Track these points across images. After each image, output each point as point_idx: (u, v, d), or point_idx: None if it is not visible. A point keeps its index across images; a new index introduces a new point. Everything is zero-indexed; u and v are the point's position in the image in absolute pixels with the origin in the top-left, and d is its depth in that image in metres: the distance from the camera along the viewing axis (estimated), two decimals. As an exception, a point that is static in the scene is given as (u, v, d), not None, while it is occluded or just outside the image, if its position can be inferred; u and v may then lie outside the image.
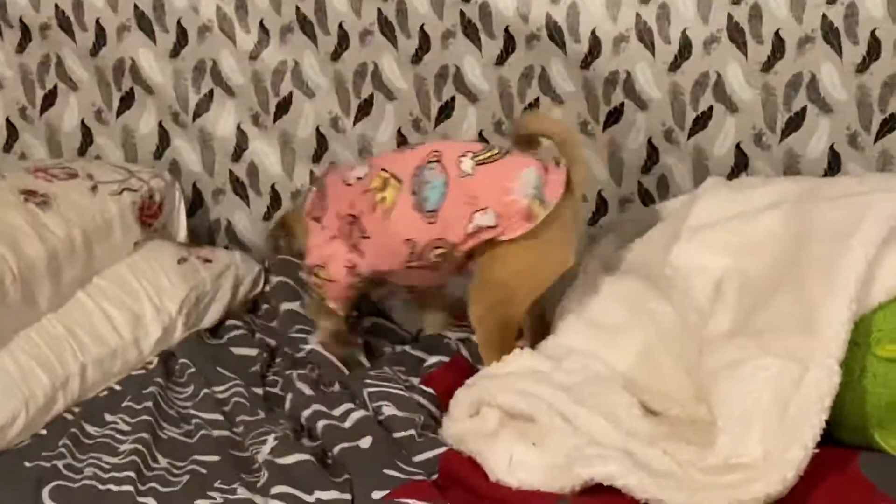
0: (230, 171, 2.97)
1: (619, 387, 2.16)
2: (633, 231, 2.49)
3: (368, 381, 2.35)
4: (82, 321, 2.45)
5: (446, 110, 2.83)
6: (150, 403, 2.35)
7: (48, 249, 2.42)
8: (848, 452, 2.02)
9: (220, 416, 2.32)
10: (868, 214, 2.05)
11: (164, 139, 2.97)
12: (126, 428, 2.27)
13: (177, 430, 2.29)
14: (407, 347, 2.60)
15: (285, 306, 2.67)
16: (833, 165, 2.70)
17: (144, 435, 2.22)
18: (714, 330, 2.16)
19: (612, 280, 2.37)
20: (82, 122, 2.99)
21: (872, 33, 2.60)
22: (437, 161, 2.28)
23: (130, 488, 2.05)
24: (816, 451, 1.91)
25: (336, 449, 2.13)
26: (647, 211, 2.59)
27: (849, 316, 1.97)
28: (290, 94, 2.88)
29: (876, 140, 2.67)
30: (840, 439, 2.03)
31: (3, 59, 2.96)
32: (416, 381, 2.41)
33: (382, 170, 2.35)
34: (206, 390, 2.42)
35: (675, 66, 2.70)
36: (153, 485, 2.08)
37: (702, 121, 2.73)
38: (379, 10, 2.76)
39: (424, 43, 2.78)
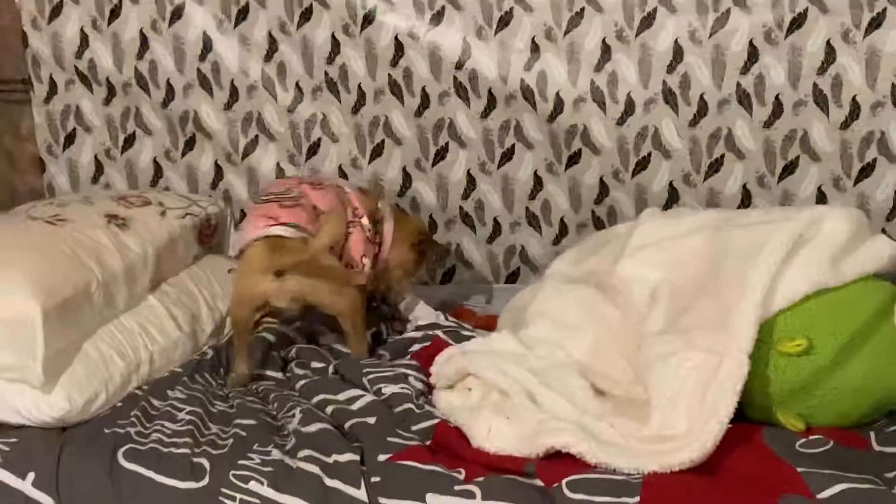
0: (272, 200, 2.90)
1: (576, 371, 2.11)
2: (588, 249, 2.46)
3: (366, 369, 2.26)
4: (152, 319, 2.39)
5: (441, 153, 2.79)
6: (202, 384, 2.29)
7: (126, 263, 2.37)
8: (754, 427, 1.97)
9: (257, 396, 2.25)
10: (771, 239, 2.01)
11: (218, 174, 2.93)
12: (183, 399, 2.20)
13: (224, 405, 2.22)
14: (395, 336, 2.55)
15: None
16: (745, 201, 2.66)
17: (198, 408, 2.16)
18: (649, 328, 2.13)
19: (571, 287, 2.33)
20: (154, 160, 2.95)
21: (776, 97, 2.57)
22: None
23: (187, 451, 1.99)
24: (730, 425, 1.86)
25: (347, 424, 2.05)
26: (598, 234, 2.55)
27: (756, 319, 1.94)
28: (319, 139, 2.85)
29: (779, 181, 2.64)
30: (748, 416, 1.98)
31: (93, 110, 2.92)
32: (402, 362, 2.32)
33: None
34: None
35: (621, 121, 2.66)
36: (205, 447, 2.01)
37: (642, 164, 2.69)
38: (389, 74, 2.73)
39: (425, 100, 2.74)
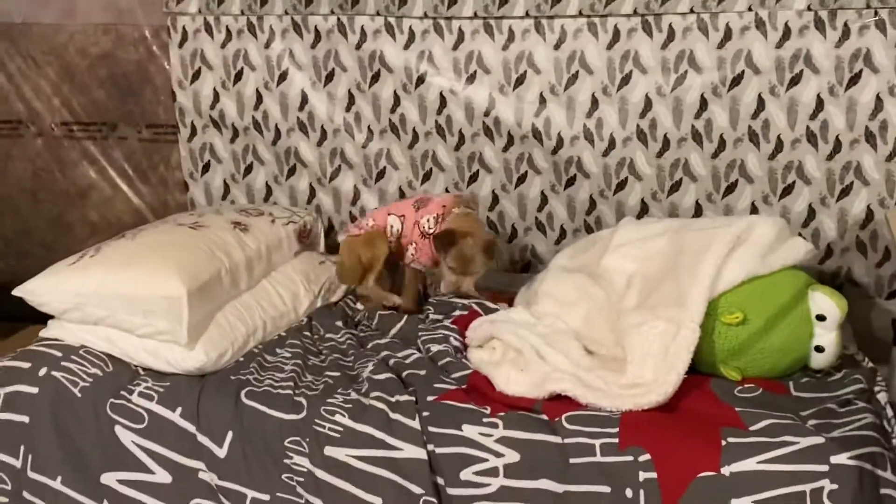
0: (349, 212, 2.93)
1: (572, 336, 2.12)
2: (580, 248, 2.45)
3: (419, 332, 2.27)
4: (265, 297, 2.41)
5: (474, 177, 2.78)
6: (301, 344, 2.31)
7: (246, 256, 2.40)
8: (703, 378, 1.98)
9: (340, 354, 2.26)
10: (717, 239, 2.02)
11: (312, 193, 2.94)
12: (288, 356, 2.23)
13: (316, 360, 2.25)
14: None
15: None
16: (698, 212, 2.63)
17: (298, 361, 2.19)
18: (626, 305, 2.13)
19: (567, 275, 2.32)
20: (266, 183, 2.96)
21: (721, 136, 2.54)
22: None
23: (290, 392, 2.02)
24: (685, 376, 1.87)
25: (404, 374, 2.07)
26: (587, 238, 2.53)
27: (705, 298, 1.96)
28: (385, 167, 2.85)
29: (722, 198, 2.60)
30: (698, 370, 1.98)
31: (222, 147, 2.94)
32: (446, 324, 2.31)
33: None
34: (329, 334, 2.37)
35: (605, 153, 2.63)
36: (303, 390, 2.04)
37: (621, 185, 2.66)
38: (436, 120, 2.72)
39: (461, 139, 2.73)
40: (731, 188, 2.59)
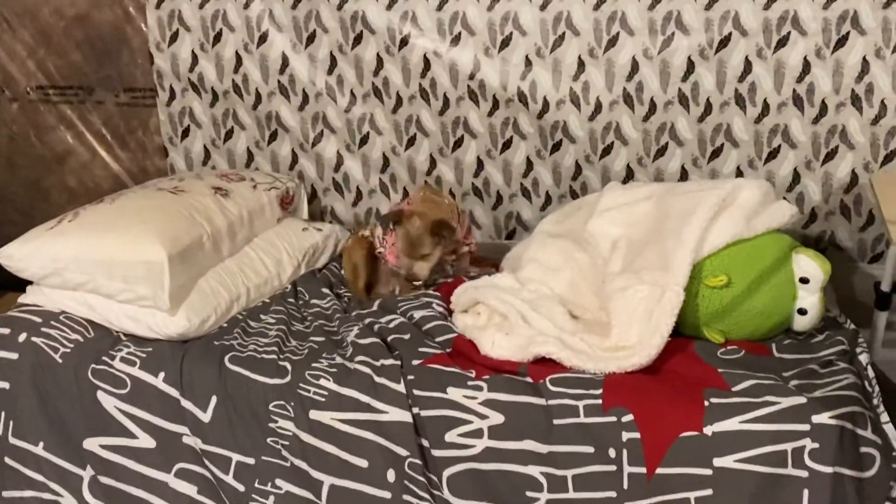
0: (332, 178, 2.92)
1: (557, 301, 2.14)
2: (565, 213, 2.47)
3: (399, 301, 2.27)
4: (248, 263, 2.42)
5: (458, 143, 2.78)
6: (285, 310, 2.32)
7: (228, 222, 2.40)
8: (687, 340, 2.00)
9: (324, 320, 2.28)
10: (702, 203, 2.03)
11: (294, 159, 2.93)
12: (272, 322, 2.24)
13: (301, 326, 2.26)
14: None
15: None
16: (683, 178, 2.64)
17: (282, 327, 2.20)
18: (611, 269, 2.15)
19: (553, 240, 2.33)
20: (247, 149, 2.95)
21: (707, 99, 2.55)
22: None
23: (274, 357, 2.04)
24: (669, 339, 1.90)
25: (389, 338, 2.09)
26: (573, 203, 2.54)
27: (689, 262, 1.97)
28: (368, 133, 2.83)
29: (708, 162, 2.62)
30: (682, 333, 2.01)
31: (202, 111, 2.92)
32: (429, 293, 2.32)
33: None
34: (315, 300, 2.38)
35: (591, 118, 2.63)
36: (287, 355, 2.06)
37: (607, 150, 2.67)
38: (419, 83, 2.71)
39: (446, 103, 2.73)
40: (716, 152, 2.60)
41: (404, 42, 2.67)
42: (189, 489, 2.00)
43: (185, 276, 2.20)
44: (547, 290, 2.18)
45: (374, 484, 1.89)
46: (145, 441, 2.02)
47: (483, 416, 1.84)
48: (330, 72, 2.77)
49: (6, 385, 2.07)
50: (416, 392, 1.89)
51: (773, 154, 2.57)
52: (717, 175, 2.62)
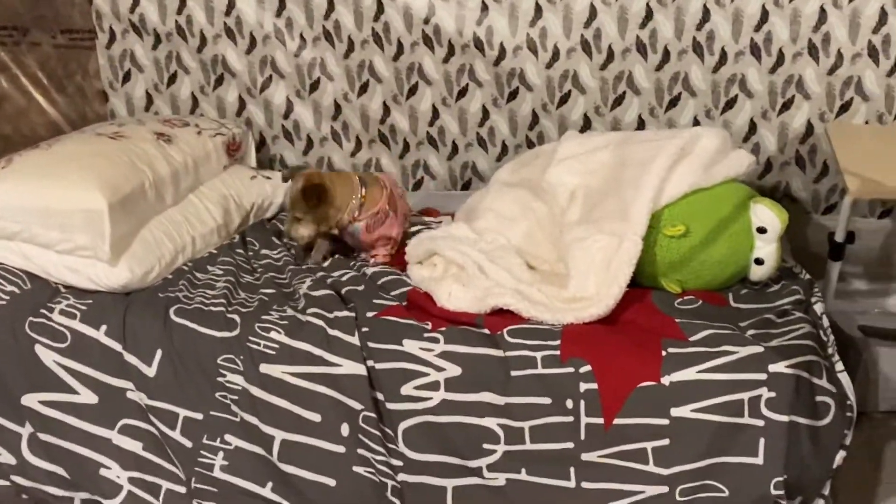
0: (282, 125, 2.81)
1: (514, 252, 2.09)
2: (522, 162, 2.41)
3: (351, 261, 2.20)
4: (193, 212, 2.31)
5: (413, 91, 2.69)
6: (233, 261, 2.23)
7: (171, 169, 2.29)
8: (644, 291, 1.98)
9: (275, 272, 2.20)
10: (660, 151, 2.00)
11: (242, 105, 2.81)
12: (220, 273, 2.16)
13: (250, 277, 2.18)
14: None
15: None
16: (640, 127, 2.60)
17: (231, 279, 2.12)
18: (569, 219, 2.10)
19: (509, 190, 2.28)
20: (192, 94, 2.82)
21: (665, 47, 2.50)
22: None
23: (223, 309, 1.96)
24: (627, 289, 1.87)
25: (342, 291, 2.02)
26: (529, 152, 2.48)
27: (647, 211, 1.94)
28: (319, 78, 2.73)
29: (665, 112, 2.58)
30: (640, 283, 1.98)
31: (144, 54, 2.78)
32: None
33: None
34: (265, 251, 2.29)
35: (549, 65, 2.57)
36: (236, 307, 1.98)
37: (565, 100, 2.61)
38: (372, 28, 2.62)
39: (400, 48, 2.63)
40: (673, 102, 2.56)
41: (357, -17, 2.57)
42: (134, 445, 1.92)
43: (127, 226, 2.09)
44: (504, 241, 2.12)
45: (328, 438, 1.84)
46: (87, 397, 1.93)
47: (439, 369, 1.80)
48: (278, 14, 2.65)
49: (-63, 340, 1.96)
50: (370, 344, 1.84)
51: (731, 104, 2.54)
52: (675, 125, 2.58)
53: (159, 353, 1.91)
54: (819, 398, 1.72)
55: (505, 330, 1.82)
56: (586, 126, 2.63)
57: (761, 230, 1.96)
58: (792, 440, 1.69)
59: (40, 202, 2.02)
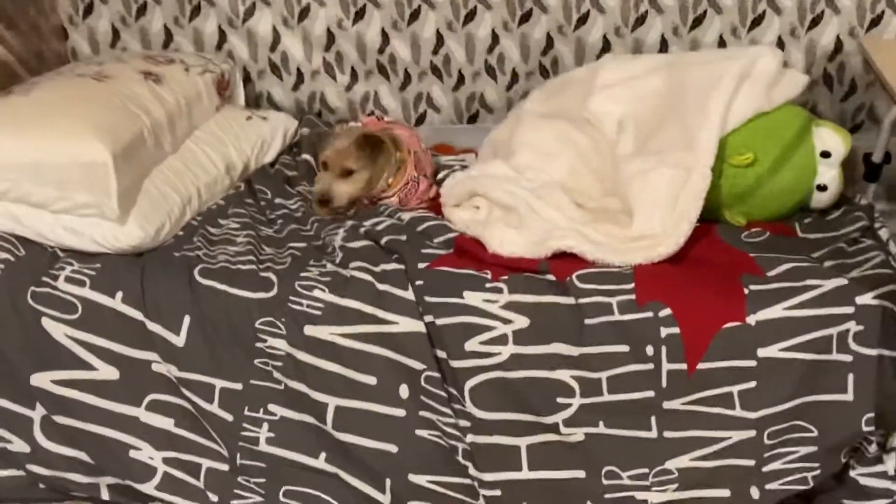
0: (269, 59, 2.59)
1: (560, 190, 1.95)
2: (551, 91, 2.23)
3: (380, 208, 2.01)
4: (193, 160, 2.10)
5: (416, 16, 2.48)
6: (246, 213, 2.05)
7: (166, 111, 2.07)
8: (708, 225, 1.86)
9: (296, 223, 2.01)
10: (723, 73, 1.87)
11: (222, 37, 2.57)
12: (236, 227, 1.97)
13: (270, 230, 2.00)
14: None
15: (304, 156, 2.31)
16: (663, 48, 2.46)
17: (251, 232, 1.94)
18: (622, 151, 1.96)
19: (545, 121, 2.12)
20: (164, 26, 2.56)
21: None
22: None
23: (253, 267, 1.78)
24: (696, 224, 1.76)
25: (382, 241, 1.85)
26: (557, 79, 2.30)
27: (717, 138, 1.82)
28: (308, 4, 2.49)
29: (689, 31, 2.45)
30: (701, 216, 1.83)
31: (108, -20, 2.51)
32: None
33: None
34: (279, 199, 2.11)
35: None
36: (268, 264, 1.81)
37: (583, 21, 2.45)
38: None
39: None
40: (698, 21, 2.44)
41: None
42: (165, 423, 1.76)
43: (130, 178, 1.88)
44: (546, 178, 1.98)
45: (386, 402, 1.70)
46: (106, 372, 1.75)
47: (506, 321, 1.67)
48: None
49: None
50: (427, 298, 1.69)
51: (758, 21, 2.43)
52: (699, 45, 2.46)
53: (187, 319, 1.73)
54: (903, 328, 1.66)
55: (574, 275, 1.70)
56: (605, 49, 2.48)
57: (825, 154, 1.88)
58: (881, 374, 1.63)
59: (30, 156, 1.79)
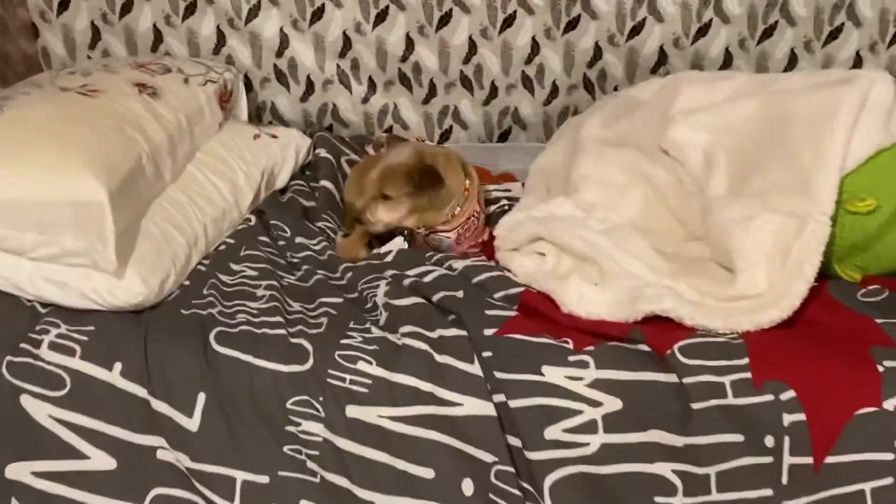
0: (274, 65, 2.29)
1: (636, 233, 1.68)
2: (613, 113, 1.96)
3: (427, 253, 1.74)
4: (197, 190, 1.79)
5: (445, 20, 2.22)
6: (263, 255, 1.74)
7: (167, 133, 1.75)
8: (821, 282, 1.58)
9: (324, 269, 1.71)
10: (843, 103, 1.60)
11: (221, 39, 2.26)
12: (253, 274, 1.67)
13: (292, 277, 1.70)
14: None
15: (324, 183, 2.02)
16: (727, 62, 2.22)
17: (273, 282, 1.63)
18: (714, 191, 1.68)
19: (611, 151, 1.85)
20: (153, 26, 2.25)
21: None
22: None
23: (283, 331, 1.48)
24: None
25: (435, 297, 1.56)
26: (615, 99, 2.03)
27: (837, 181, 1.55)
28: (323, 4, 2.21)
29: (757, 44, 2.21)
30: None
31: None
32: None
33: None
34: (300, 239, 1.81)
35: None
36: (299, 326, 1.50)
37: (637, 30, 2.20)
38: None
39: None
40: (768, 32, 2.19)
41: None
42: (173, 523, 1.45)
43: (128, 219, 1.57)
44: (616, 218, 1.72)
45: (446, 500, 1.42)
46: (100, 461, 1.44)
47: (595, 403, 1.40)
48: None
49: None
50: (497, 374, 1.41)
51: (834, 34, 2.20)
52: (767, 58, 2.23)
53: (202, 397, 1.43)
54: None
55: (676, 347, 1.43)
56: (661, 62, 2.24)
57: (949, 197, 1.63)
58: None
59: (6, 193, 1.47)
